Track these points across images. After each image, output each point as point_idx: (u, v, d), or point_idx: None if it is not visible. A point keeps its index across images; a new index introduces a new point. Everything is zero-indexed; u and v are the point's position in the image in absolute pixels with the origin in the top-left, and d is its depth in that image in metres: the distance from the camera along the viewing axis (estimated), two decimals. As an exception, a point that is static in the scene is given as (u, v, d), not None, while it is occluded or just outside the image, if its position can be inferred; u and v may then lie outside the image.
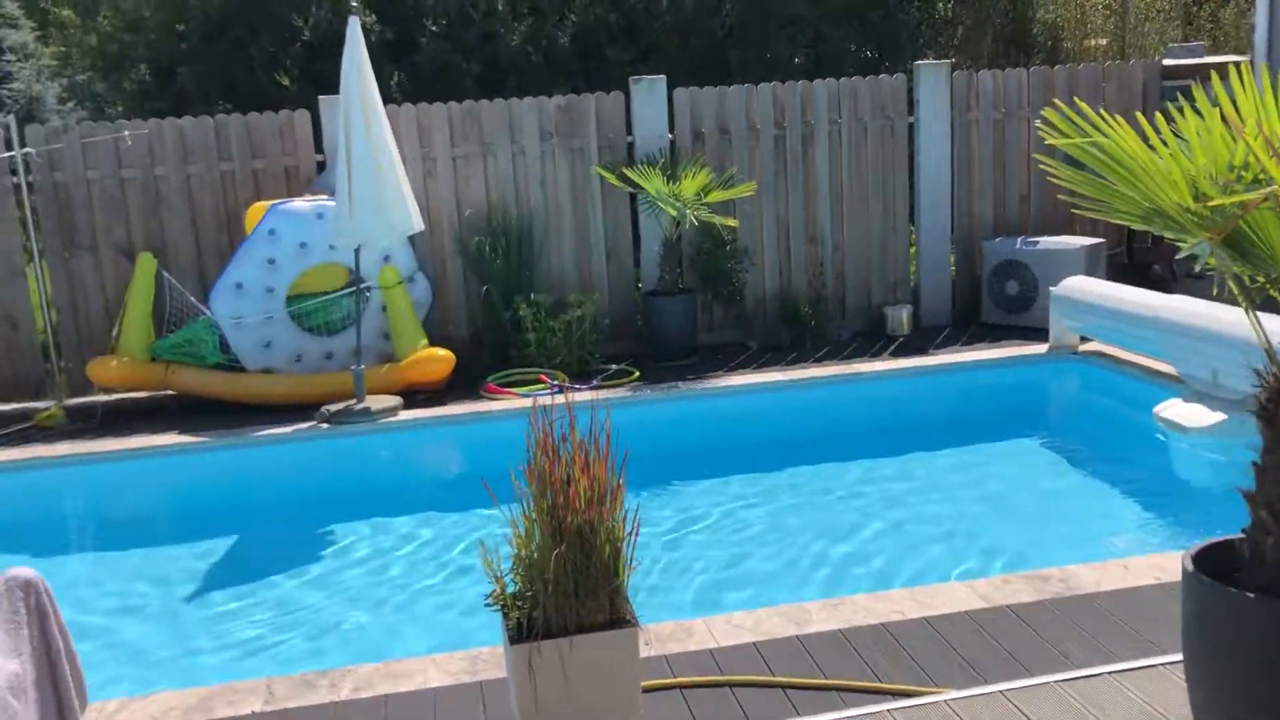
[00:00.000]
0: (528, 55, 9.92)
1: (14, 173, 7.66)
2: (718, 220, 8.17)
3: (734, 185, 8.39)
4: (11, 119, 7.62)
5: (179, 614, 5.10)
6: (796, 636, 3.90)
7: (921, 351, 8.16)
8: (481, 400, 7.42)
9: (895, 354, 8.15)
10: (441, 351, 7.65)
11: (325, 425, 6.99)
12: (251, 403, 7.46)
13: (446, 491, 6.89)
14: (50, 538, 6.42)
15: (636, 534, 2.96)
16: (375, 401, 7.19)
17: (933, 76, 8.83)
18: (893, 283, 9.04)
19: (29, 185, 7.70)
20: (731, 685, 3.58)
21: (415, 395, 7.57)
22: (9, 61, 15.16)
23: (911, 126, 8.92)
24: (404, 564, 5.53)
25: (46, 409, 7.61)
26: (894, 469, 6.41)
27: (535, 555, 2.94)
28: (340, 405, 7.12)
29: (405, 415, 7.18)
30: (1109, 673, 3.47)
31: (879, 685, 3.53)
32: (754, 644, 3.86)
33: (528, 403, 7.23)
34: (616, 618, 2.98)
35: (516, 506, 3.02)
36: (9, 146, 7.60)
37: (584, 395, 7.12)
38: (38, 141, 7.69)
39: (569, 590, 2.88)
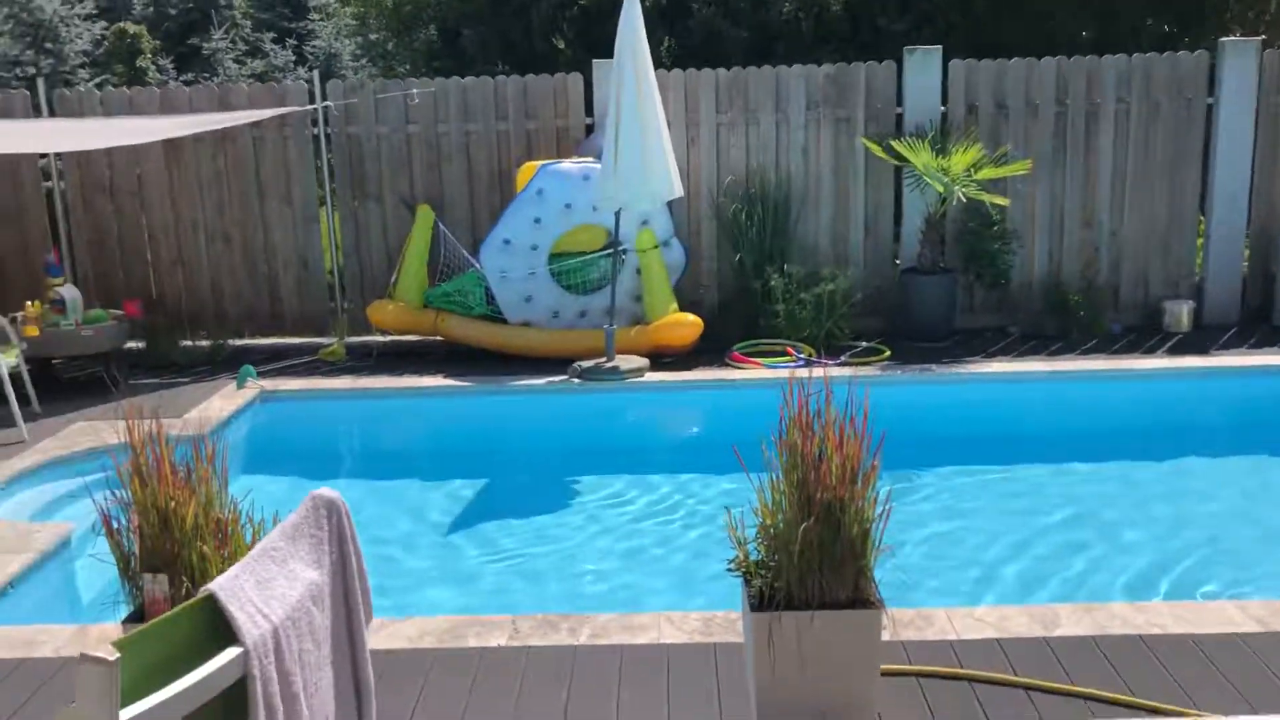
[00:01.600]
0: (798, 22, 9.81)
1: (314, 124, 8.30)
2: (987, 198, 7.83)
3: (1007, 163, 8.02)
4: (316, 74, 8.24)
5: (432, 545, 5.44)
6: (1043, 638, 3.73)
7: (1201, 351, 7.57)
8: (726, 368, 7.47)
9: (1171, 352, 7.60)
10: (691, 317, 7.75)
11: (576, 380, 7.24)
12: (510, 353, 7.82)
13: (687, 454, 7.00)
14: (325, 462, 6.99)
15: (887, 518, 2.91)
16: (624, 361, 7.37)
17: (1239, 55, 8.10)
18: (1174, 276, 8.42)
19: (327, 137, 8.32)
20: (972, 680, 3.47)
21: (662, 358, 7.70)
22: (313, 20, 16.43)
23: (1210, 108, 8.24)
24: (641, 520, 5.67)
25: (330, 345, 8.26)
26: (1158, 474, 6.00)
27: (781, 527, 2.94)
28: (591, 362, 7.34)
29: (652, 377, 7.32)
30: (1404, 722, 3.14)
31: (1133, 700, 3.33)
32: (997, 640, 3.73)
33: (771, 374, 7.28)
34: (859, 597, 2.95)
35: (764, 476, 3.03)
36: (312, 99, 8.24)
37: (832, 371, 7.05)
38: (337, 96, 8.29)
39: (814, 564, 2.87)
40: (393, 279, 8.22)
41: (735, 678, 3.56)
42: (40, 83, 8.43)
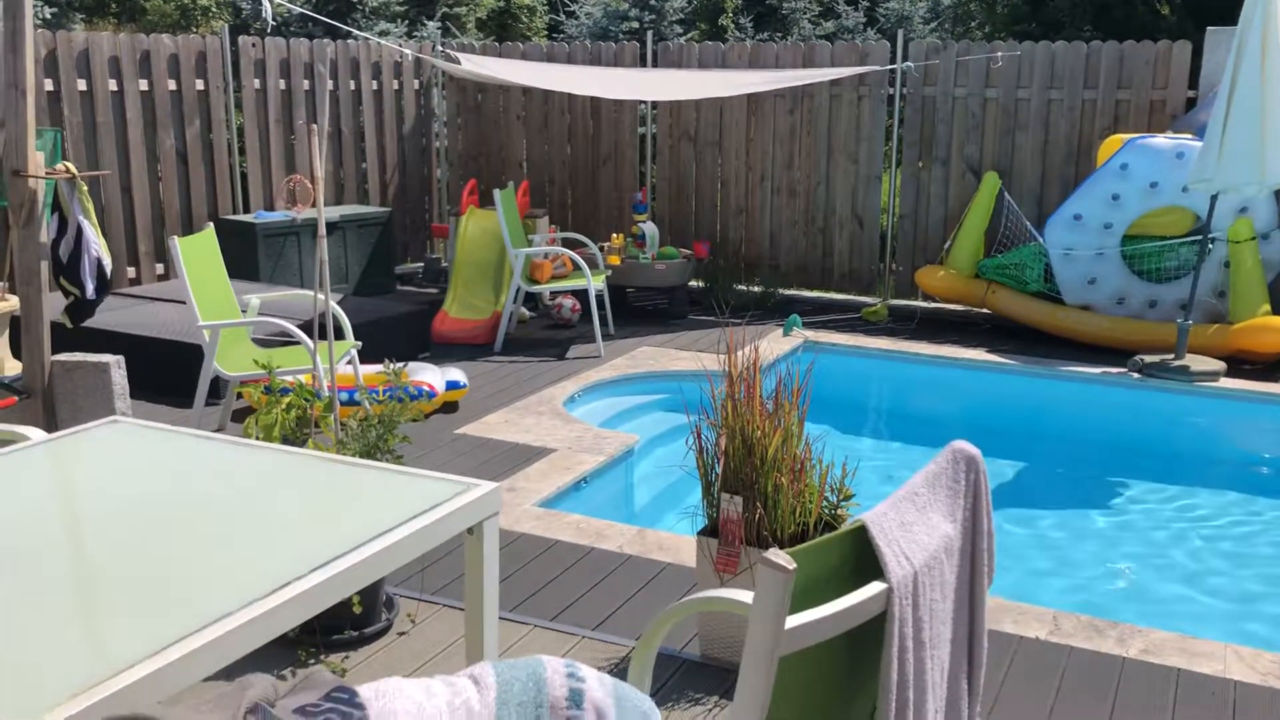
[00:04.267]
0: None
1: (890, 84, 8.33)
2: None
3: None
4: (900, 34, 8.25)
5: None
6: None
7: None
8: (1324, 386, 6.48)
9: None
10: (1283, 322, 6.82)
11: (1136, 375, 6.68)
12: (1061, 336, 7.40)
13: (1258, 475, 6.20)
14: (859, 417, 7.09)
15: None
16: (1195, 361, 6.67)
17: None
18: None
19: (902, 97, 8.33)
20: None
21: (1240, 364, 6.87)
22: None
23: None
24: (1198, 538, 5.11)
25: (874, 305, 8.34)
26: None
27: None
28: (1157, 358, 6.73)
29: (1226, 383, 6.56)
30: None
31: None
32: None
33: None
34: None
35: None
36: (892, 60, 8.27)
37: None
38: (917, 57, 8.25)
39: None
40: (946, 245, 8.09)
41: (1324, 740, 3.10)
42: (648, 36, 9.28)
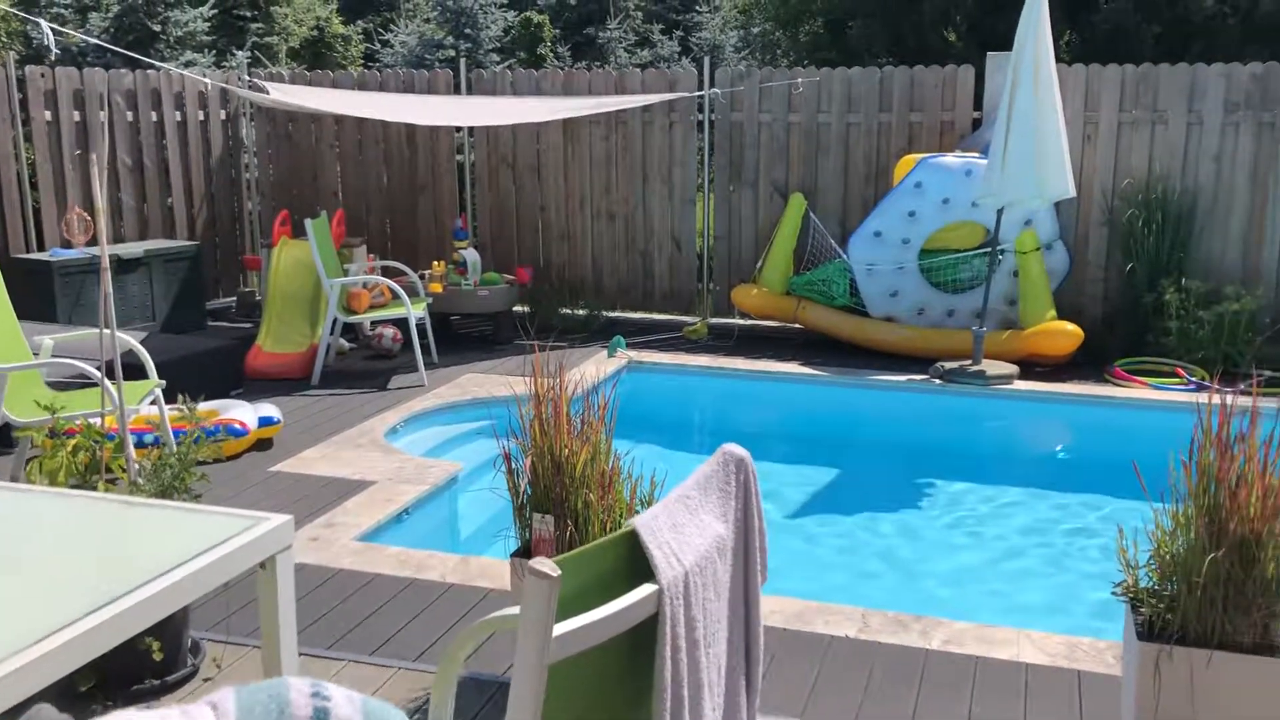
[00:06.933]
0: (1223, 18, 8.94)
1: (700, 110, 8.57)
2: None
3: None
4: (707, 61, 8.50)
5: (780, 526, 5.47)
6: None
7: None
8: (1105, 384, 6.97)
9: None
10: (1070, 326, 7.30)
11: (938, 381, 7.03)
12: (869, 347, 7.72)
13: (1051, 470, 6.62)
14: (682, 433, 7.23)
15: (1314, 560, 2.59)
16: (991, 366, 7.07)
17: None
18: None
19: (711, 123, 8.57)
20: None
21: (1032, 367, 7.32)
22: (700, 12, 16.99)
23: None
24: (998, 532, 5.42)
25: (694, 324, 8.52)
26: None
27: (1182, 554, 2.69)
28: (955, 364, 7.10)
29: (1020, 385, 6.98)
30: None
31: None
32: None
33: (1157, 395, 6.70)
34: (1266, 644, 2.65)
35: (1161, 500, 2.80)
36: (700, 87, 8.51)
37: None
38: (724, 84, 8.51)
39: (1217, 600, 2.61)
40: (758, 264, 8.35)
41: (1100, 711, 3.33)
42: (462, 63, 9.27)
